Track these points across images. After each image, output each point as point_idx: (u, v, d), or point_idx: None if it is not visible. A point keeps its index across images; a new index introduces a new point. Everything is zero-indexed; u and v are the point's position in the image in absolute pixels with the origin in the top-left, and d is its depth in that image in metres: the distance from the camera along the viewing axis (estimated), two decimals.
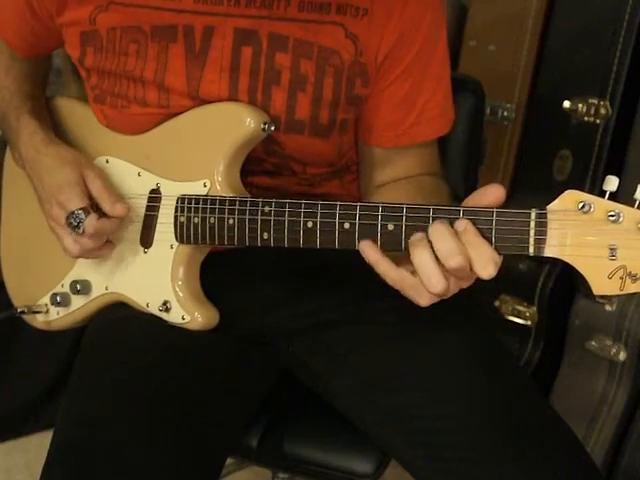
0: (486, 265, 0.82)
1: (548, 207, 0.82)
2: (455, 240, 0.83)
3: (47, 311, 1.18)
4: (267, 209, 0.96)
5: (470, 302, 1.12)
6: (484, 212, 0.84)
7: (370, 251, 0.88)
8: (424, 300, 0.88)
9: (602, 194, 0.80)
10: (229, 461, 1.10)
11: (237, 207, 0.98)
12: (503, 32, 1.81)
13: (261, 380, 1.15)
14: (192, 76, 1.03)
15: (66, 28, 1.08)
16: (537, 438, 0.95)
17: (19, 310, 1.19)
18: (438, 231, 0.84)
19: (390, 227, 0.88)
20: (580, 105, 1.59)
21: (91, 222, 1.02)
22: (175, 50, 1.03)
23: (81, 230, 1.02)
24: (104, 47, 1.06)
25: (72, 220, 1.02)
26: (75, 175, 1.05)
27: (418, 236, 0.85)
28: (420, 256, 0.84)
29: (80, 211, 1.02)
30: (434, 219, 0.86)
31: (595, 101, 1.58)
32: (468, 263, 0.82)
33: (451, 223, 0.84)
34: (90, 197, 1.05)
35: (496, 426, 0.95)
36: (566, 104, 1.61)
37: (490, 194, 0.85)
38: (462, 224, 0.84)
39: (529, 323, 1.70)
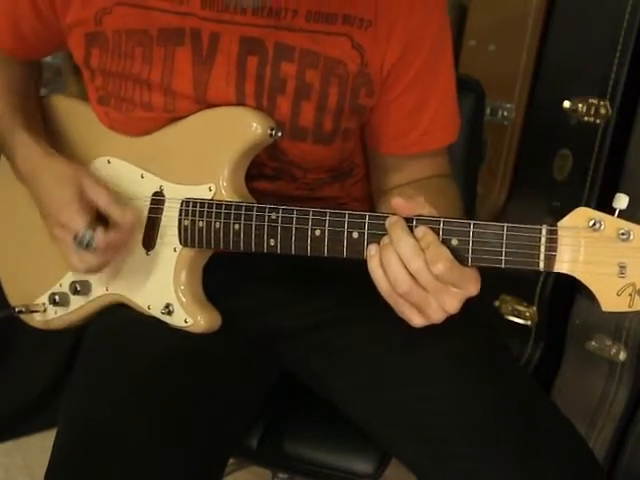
0: (434, 263, 0.85)
1: (559, 223, 0.83)
2: (414, 244, 0.86)
3: (45, 310, 1.17)
4: (274, 216, 0.96)
5: (470, 301, 1.12)
6: (494, 226, 0.85)
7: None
8: (414, 316, 0.90)
9: (604, 200, 0.81)
10: (229, 461, 1.10)
11: (243, 212, 0.98)
12: (503, 32, 1.81)
13: (262, 380, 1.15)
14: (199, 80, 1.03)
15: (71, 28, 1.08)
16: (539, 435, 0.95)
17: (17, 309, 1.18)
18: (398, 238, 0.87)
19: None
20: (580, 105, 1.60)
21: (100, 238, 1.00)
22: (182, 54, 1.03)
23: (92, 248, 1.00)
24: (110, 48, 1.05)
25: (80, 241, 1.00)
26: (73, 192, 1.03)
27: (385, 240, 0.88)
28: (388, 257, 0.87)
29: (86, 230, 1.00)
30: (444, 231, 0.87)
31: (595, 101, 1.58)
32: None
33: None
34: (90, 210, 1.03)
35: (498, 423, 0.96)
36: (566, 104, 1.61)
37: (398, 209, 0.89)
38: (421, 230, 0.87)
39: (529, 323, 1.70)
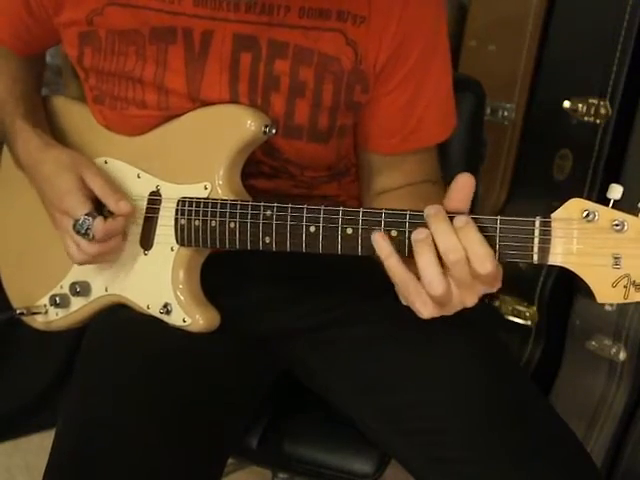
0: (483, 262, 0.81)
1: (552, 215, 0.81)
2: (456, 236, 0.82)
3: (46, 312, 1.17)
4: (269, 213, 0.95)
5: None
6: (488, 220, 0.84)
7: (383, 244, 0.86)
8: (427, 309, 0.85)
9: (603, 200, 0.80)
10: (229, 461, 1.10)
11: (238, 210, 0.98)
12: (503, 32, 1.81)
13: (261, 381, 1.15)
14: (192, 78, 1.03)
15: (64, 28, 1.08)
16: (537, 438, 0.95)
17: (18, 311, 1.19)
18: (440, 228, 0.83)
19: (393, 233, 0.87)
20: (580, 105, 1.60)
21: (99, 226, 1.01)
22: (174, 52, 1.03)
23: (91, 236, 1.02)
24: (103, 48, 1.05)
25: (79, 227, 1.02)
26: (74, 181, 1.04)
27: (423, 234, 0.83)
28: (424, 255, 0.83)
29: (86, 217, 1.02)
30: None
31: (595, 101, 1.58)
32: (466, 259, 0.82)
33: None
34: (92, 199, 1.04)
35: (496, 426, 0.96)
36: (566, 104, 1.62)
37: (461, 185, 0.84)
38: (462, 220, 0.82)
39: (529, 323, 1.70)
